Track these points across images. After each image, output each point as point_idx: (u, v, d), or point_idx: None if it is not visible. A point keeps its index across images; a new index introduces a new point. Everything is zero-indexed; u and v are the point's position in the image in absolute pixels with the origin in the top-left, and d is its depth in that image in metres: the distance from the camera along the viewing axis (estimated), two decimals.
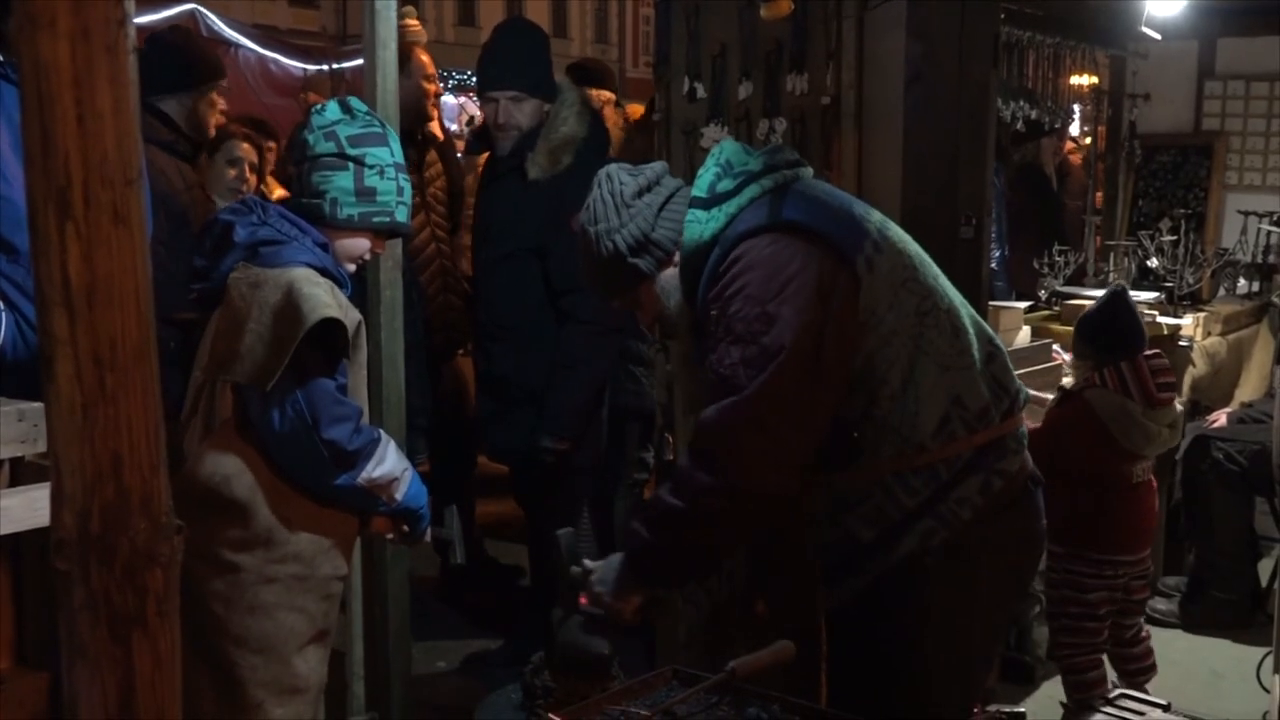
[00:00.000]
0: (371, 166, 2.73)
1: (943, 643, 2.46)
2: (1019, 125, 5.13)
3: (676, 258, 2.56)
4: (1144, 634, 4.08)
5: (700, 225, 2.49)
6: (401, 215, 2.81)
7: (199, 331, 2.76)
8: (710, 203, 2.50)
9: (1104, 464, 3.86)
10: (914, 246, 2.53)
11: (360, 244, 2.81)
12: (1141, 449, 3.86)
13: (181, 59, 4.28)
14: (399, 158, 2.81)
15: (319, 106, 2.82)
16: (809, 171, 2.62)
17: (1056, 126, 5.99)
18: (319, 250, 2.71)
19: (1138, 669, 4.03)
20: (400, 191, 2.79)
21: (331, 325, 2.60)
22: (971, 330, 2.48)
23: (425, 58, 5.13)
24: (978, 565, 2.45)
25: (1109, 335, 3.90)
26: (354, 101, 2.84)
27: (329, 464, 2.64)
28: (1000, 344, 2.58)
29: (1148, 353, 3.94)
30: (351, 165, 2.72)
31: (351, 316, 2.69)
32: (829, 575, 2.51)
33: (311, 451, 2.62)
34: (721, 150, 2.58)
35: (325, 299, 2.58)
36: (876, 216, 2.53)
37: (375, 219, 2.77)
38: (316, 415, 2.59)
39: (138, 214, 1.19)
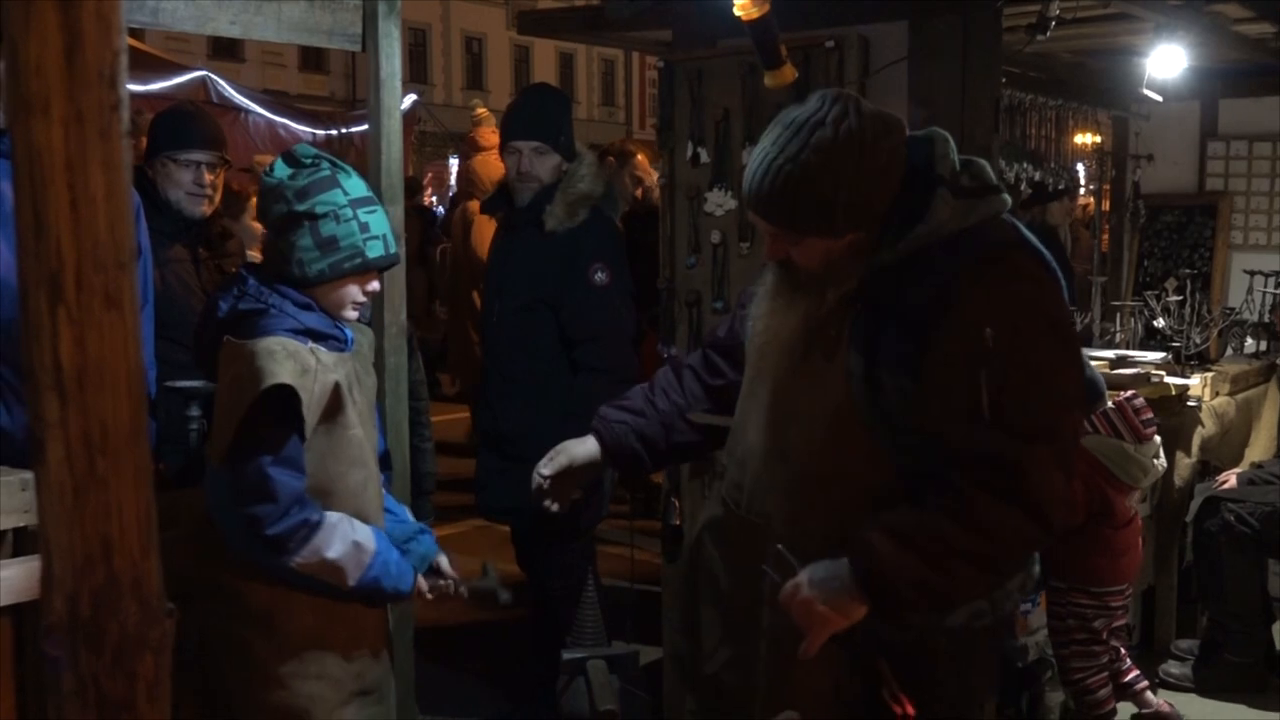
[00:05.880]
0: (324, 215, 2.60)
1: None
2: (1024, 188, 5.13)
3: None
4: (1124, 652, 4.45)
5: (949, 208, 2.25)
6: (375, 250, 2.64)
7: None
8: (961, 191, 2.27)
9: (1107, 501, 4.15)
10: None
11: (346, 293, 2.68)
12: (1139, 482, 4.22)
13: (165, 122, 4.03)
14: (357, 193, 2.65)
15: (268, 168, 2.69)
16: None
17: (1062, 188, 5.99)
18: (303, 313, 2.62)
19: (1132, 680, 4.40)
20: (365, 228, 2.63)
21: (285, 393, 2.48)
22: None
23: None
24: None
25: None
26: (300, 149, 2.68)
27: (256, 543, 2.54)
28: None
29: (1126, 394, 4.28)
30: (305, 222, 2.60)
31: (325, 379, 2.57)
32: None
33: (238, 528, 2.55)
34: (951, 143, 2.34)
35: (274, 368, 2.47)
36: None
37: (346, 265, 2.63)
38: (241, 489, 2.51)
39: (130, 297, 1.19)
